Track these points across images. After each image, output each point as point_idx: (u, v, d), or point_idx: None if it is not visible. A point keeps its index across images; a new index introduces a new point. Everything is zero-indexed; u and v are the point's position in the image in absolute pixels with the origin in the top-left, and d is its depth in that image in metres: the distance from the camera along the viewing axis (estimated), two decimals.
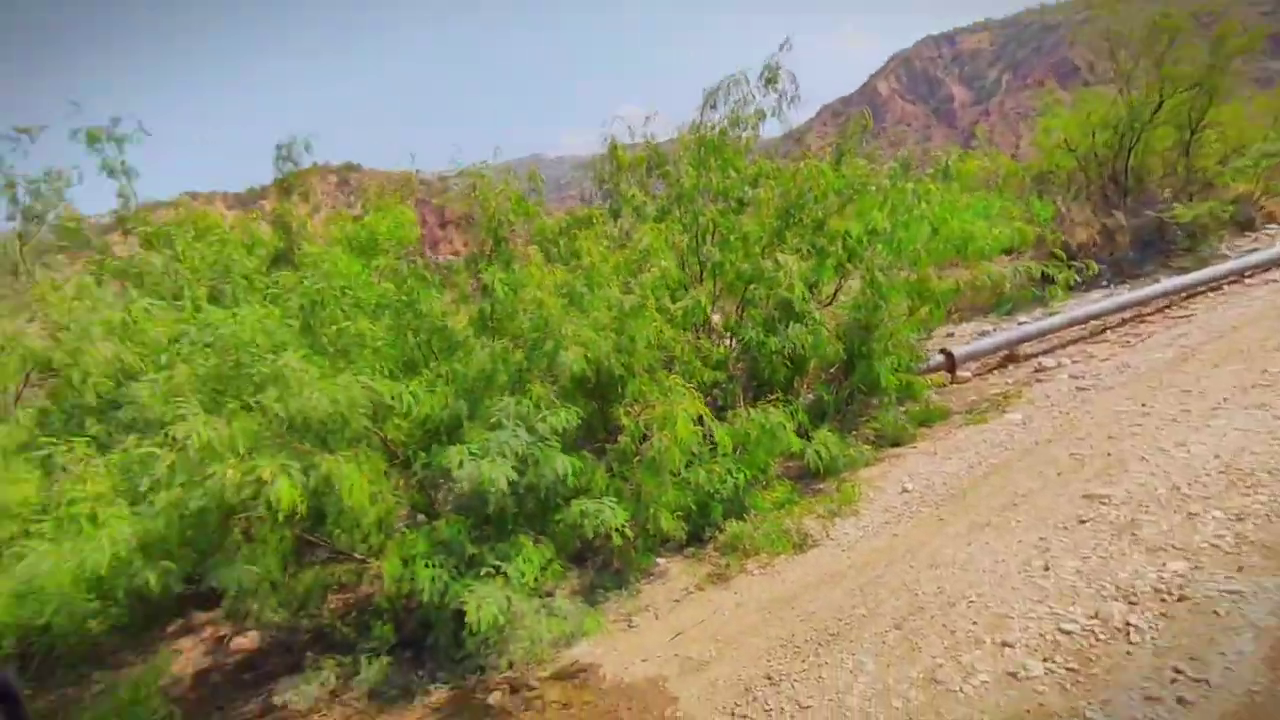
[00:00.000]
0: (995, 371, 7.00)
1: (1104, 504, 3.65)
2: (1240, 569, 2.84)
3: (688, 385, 4.17)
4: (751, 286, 5.29)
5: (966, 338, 8.24)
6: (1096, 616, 2.74)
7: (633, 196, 5.48)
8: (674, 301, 4.94)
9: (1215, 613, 2.61)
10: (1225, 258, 9.40)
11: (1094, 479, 3.99)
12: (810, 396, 5.73)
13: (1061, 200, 11.17)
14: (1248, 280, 8.09)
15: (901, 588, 3.29)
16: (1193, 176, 11.30)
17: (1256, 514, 3.22)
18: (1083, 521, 3.52)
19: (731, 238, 5.45)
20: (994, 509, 3.91)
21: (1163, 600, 2.75)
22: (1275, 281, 7.68)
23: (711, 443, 4.17)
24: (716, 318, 5.71)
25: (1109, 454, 4.27)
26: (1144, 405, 4.93)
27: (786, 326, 5.15)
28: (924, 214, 5.47)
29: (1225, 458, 3.84)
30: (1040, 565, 3.19)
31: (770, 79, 5.40)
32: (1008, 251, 7.64)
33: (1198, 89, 10.82)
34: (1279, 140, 11.25)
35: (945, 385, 6.74)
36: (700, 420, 4.02)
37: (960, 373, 6.94)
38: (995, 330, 8.12)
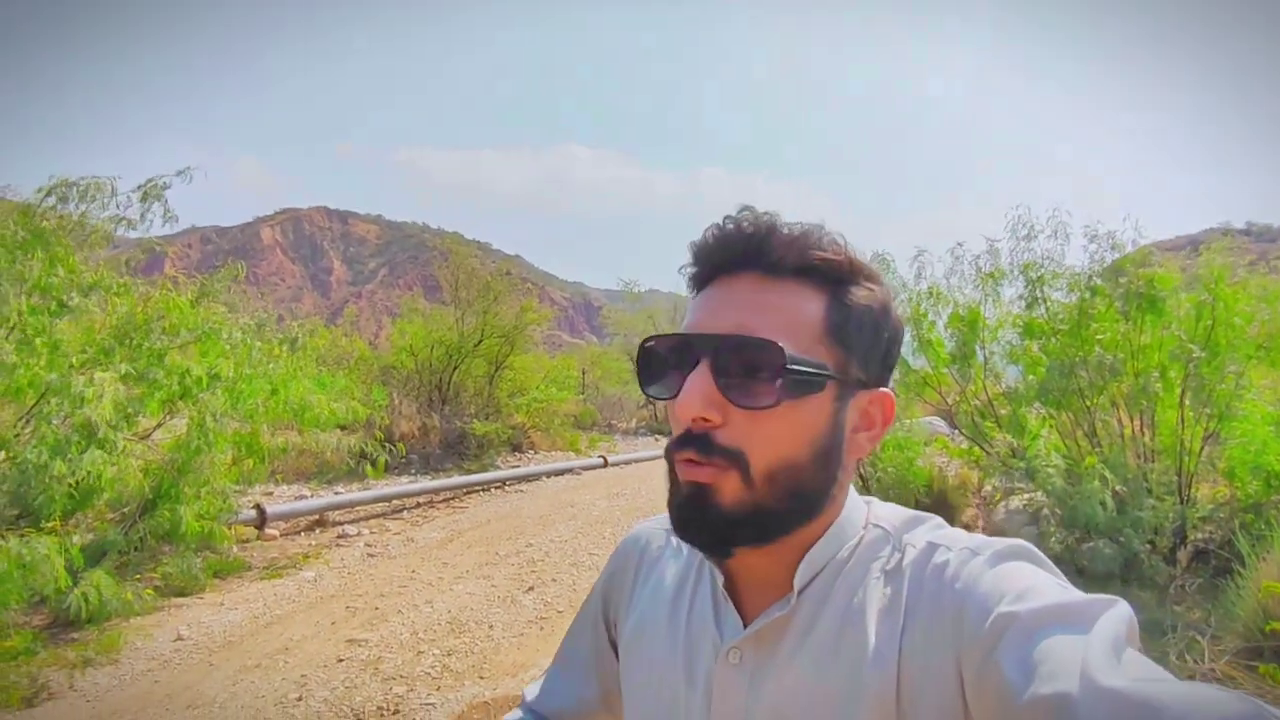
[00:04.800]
0: (303, 533, 7.47)
1: (361, 646, 4.38)
2: (439, 688, 3.86)
3: None
4: (55, 401, 4.66)
5: (285, 498, 8.57)
6: None
7: None
8: None
9: (414, 719, 3.48)
10: (499, 468, 12.25)
11: (359, 627, 4.73)
12: (91, 534, 5.10)
13: (397, 393, 12.89)
14: (508, 487, 10.74)
15: None
16: (491, 401, 14.51)
17: (459, 650, 4.40)
18: (340, 660, 4.15)
19: (38, 341, 4.77)
20: (266, 654, 4.21)
21: (382, 715, 3.52)
22: (523, 492, 10.41)
23: None
24: None
25: (377, 608, 5.13)
26: (414, 571, 6.09)
27: (84, 452, 4.64)
28: (269, 373, 5.89)
29: (454, 611, 5.08)
30: (295, 697, 3.63)
31: (149, 195, 5.28)
32: (342, 426, 8.52)
33: (504, 338, 14.39)
34: (546, 390, 15.51)
35: (251, 540, 6.84)
36: None
37: (269, 530, 7.16)
38: (313, 495, 8.71)
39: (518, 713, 0.85)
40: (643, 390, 0.67)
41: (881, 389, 0.65)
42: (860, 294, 0.63)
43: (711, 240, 0.64)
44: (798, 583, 0.63)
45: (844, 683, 0.59)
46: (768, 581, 0.65)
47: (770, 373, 0.58)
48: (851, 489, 0.68)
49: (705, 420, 0.60)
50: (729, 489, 0.60)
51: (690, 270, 0.67)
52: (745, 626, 0.66)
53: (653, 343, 0.66)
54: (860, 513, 0.67)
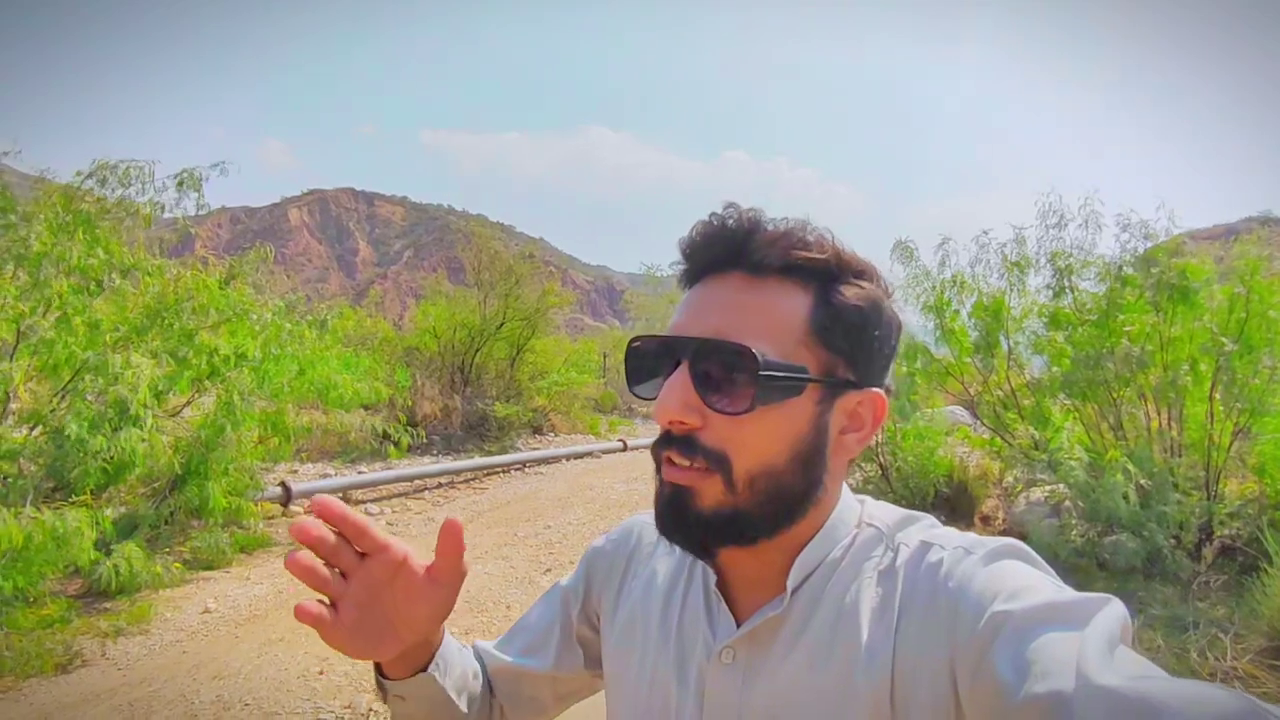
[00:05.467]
0: None
1: None
2: None
3: None
4: (89, 378, 4.79)
5: (310, 476, 8.73)
6: (349, 705, 3.38)
7: None
8: None
9: None
10: (519, 450, 12.36)
11: None
12: (124, 508, 5.25)
13: (420, 374, 13.04)
14: (528, 469, 10.85)
15: (178, 698, 3.34)
16: (512, 384, 14.63)
17: (476, 629, 4.48)
18: None
19: (77, 320, 4.90)
20: (290, 628, 4.31)
21: None
22: (542, 474, 10.51)
23: None
24: (28, 399, 4.87)
25: None
26: (433, 551, 6.17)
27: (119, 429, 4.78)
28: (295, 354, 6.00)
29: (473, 591, 5.16)
30: (317, 671, 3.72)
31: (186, 183, 5.38)
32: (366, 406, 8.65)
33: (526, 321, 14.46)
34: (567, 374, 15.61)
35: (276, 517, 7.00)
36: None
37: (293, 507, 7.31)
38: (336, 474, 8.87)
39: (467, 651, 0.83)
40: (630, 389, 0.68)
41: (873, 389, 0.64)
42: (849, 292, 0.62)
43: (698, 239, 0.64)
44: (790, 583, 0.63)
45: (838, 682, 0.59)
46: (760, 581, 0.65)
47: (745, 378, 0.59)
48: (845, 487, 0.68)
49: (682, 423, 0.60)
50: (710, 493, 0.60)
51: (679, 268, 0.67)
52: (738, 626, 0.66)
53: (639, 343, 0.67)
54: (853, 512, 0.67)
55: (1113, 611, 0.50)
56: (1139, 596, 4.46)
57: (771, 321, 0.60)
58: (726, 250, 0.62)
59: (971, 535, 0.63)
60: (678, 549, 0.76)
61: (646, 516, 0.83)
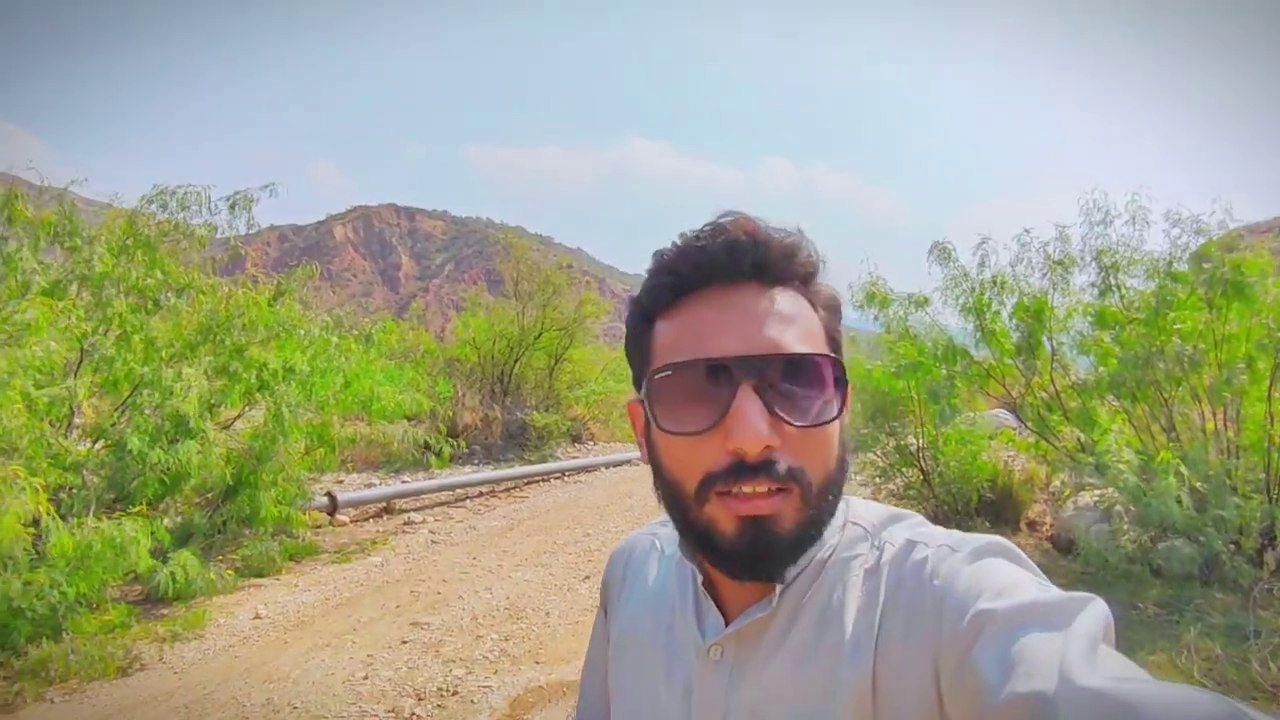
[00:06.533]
0: (372, 519, 7.80)
1: (424, 629, 4.56)
2: (496, 672, 3.98)
3: (31, 480, 3.68)
4: (146, 393, 5.00)
5: (355, 486, 8.96)
6: (393, 710, 3.46)
7: (19, 258, 4.72)
8: (38, 387, 4.32)
9: (471, 701, 3.61)
10: (558, 459, 12.46)
11: (422, 611, 4.92)
12: (179, 518, 5.47)
13: (461, 385, 13.26)
14: (567, 478, 10.93)
15: (230, 701, 3.46)
16: (550, 393, 14.76)
17: (516, 636, 4.53)
18: (404, 642, 4.34)
19: (136, 337, 5.14)
20: (336, 634, 4.43)
21: (442, 695, 3.66)
22: (581, 482, 10.57)
23: (38, 551, 3.69)
24: (90, 414, 5.11)
25: (439, 593, 5.32)
26: (474, 558, 6.28)
27: (176, 441, 4.99)
28: (341, 367, 6.17)
29: (512, 598, 5.22)
30: (362, 676, 3.81)
31: (237, 204, 5.60)
32: (408, 417, 8.84)
33: (564, 331, 14.57)
34: (605, 383, 15.67)
35: (323, 526, 7.19)
36: (36, 523, 3.57)
37: (340, 516, 7.51)
38: (380, 484, 9.08)
39: None
40: (660, 428, 0.60)
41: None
42: (829, 295, 0.64)
43: (717, 249, 0.60)
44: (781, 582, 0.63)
45: (822, 680, 0.59)
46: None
47: (832, 387, 0.59)
48: None
49: (769, 447, 0.56)
50: (789, 512, 0.58)
51: (666, 279, 0.63)
52: (726, 624, 0.66)
53: (668, 374, 0.60)
54: (839, 511, 0.67)
55: (1095, 611, 0.50)
56: (1197, 604, 4.29)
57: (807, 329, 0.61)
58: (751, 261, 0.60)
59: (957, 533, 0.63)
60: (666, 552, 0.77)
61: (639, 532, 0.84)
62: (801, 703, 0.60)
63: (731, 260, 0.60)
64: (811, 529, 0.59)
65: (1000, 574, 0.56)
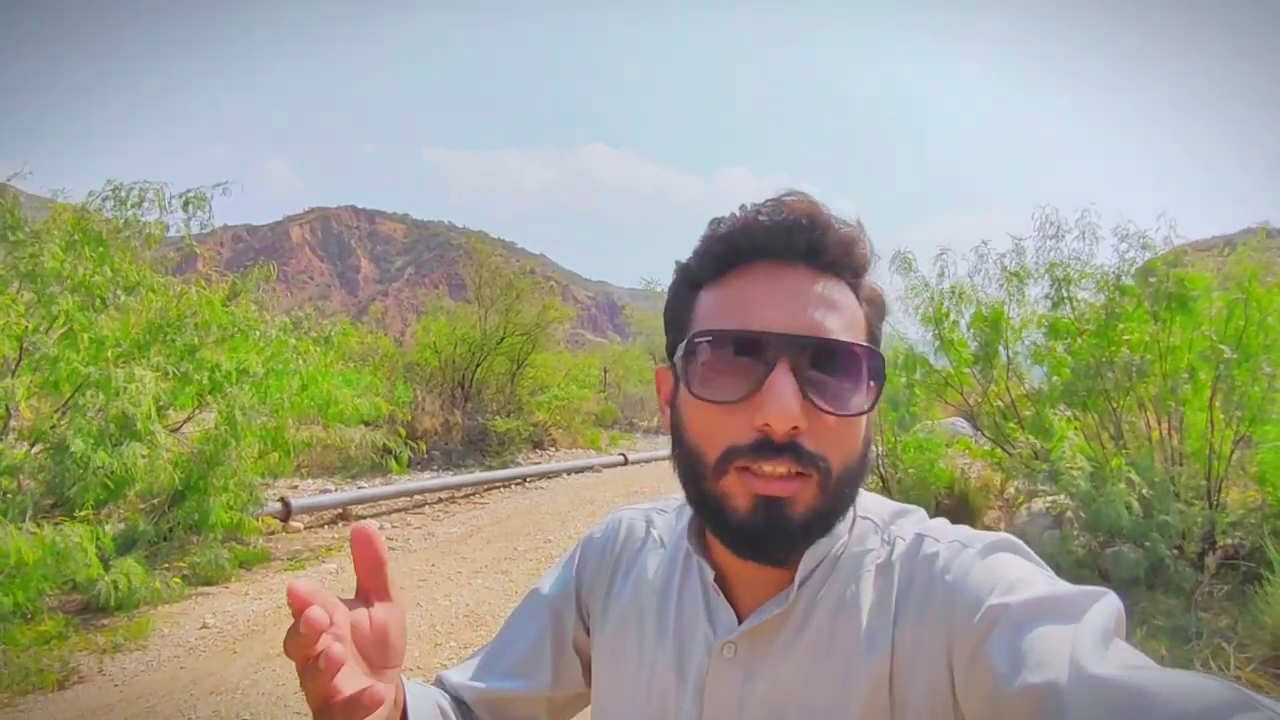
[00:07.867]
0: (327, 526, 7.61)
1: None
2: None
3: None
4: (91, 393, 4.80)
5: (310, 492, 8.72)
6: None
7: None
8: None
9: None
10: (520, 464, 12.31)
11: None
12: (123, 524, 5.25)
13: (421, 390, 13.03)
14: (528, 484, 10.81)
15: (175, 714, 3.33)
16: (512, 399, 14.58)
17: (475, 643, 4.45)
18: None
19: (84, 335, 4.93)
20: None
21: None
22: (542, 488, 10.48)
23: None
24: (29, 416, 4.88)
25: None
26: (433, 566, 6.17)
27: (121, 444, 4.79)
28: (298, 369, 6.01)
29: (471, 606, 5.14)
30: None
31: (191, 203, 5.44)
32: (366, 421, 8.64)
33: (526, 336, 14.45)
34: (567, 388, 15.54)
35: (276, 532, 6.98)
36: None
37: (293, 522, 7.30)
38: (336, 490, 8.86)
39: (433, 691, 0.75)
40: (691, 393, 0.60)
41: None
42: (876, 291, 0.65)
43: (776, 225, 0.59)
44: (799, 577, 0.63)
45: (838, 675, 0.59)
46: (760, 575, 0.65)
47: (867, 380, 0.59)
48: None
49: (796, 429, 0.56)
50: (805, 498, 0.58)
51: (719, 248, 0.62)
52: (739, 620, 0.65)
53: (708, 339, 0.59)
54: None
55: (1107, 604, 0.51)
56: (1142, 607, 4.43)
57: (853, 320, 0.61)
58: (805, 244, 0.59)
59: (966, 529, 0.64)
60: (668, 543, 0.76)
61: (631, 511, 0.82)
62: (818, 697, 0.60)
63: (789, 239, 0.59)
64: (824, 518, 0.59)
65: (1011, 569, 0.56)
